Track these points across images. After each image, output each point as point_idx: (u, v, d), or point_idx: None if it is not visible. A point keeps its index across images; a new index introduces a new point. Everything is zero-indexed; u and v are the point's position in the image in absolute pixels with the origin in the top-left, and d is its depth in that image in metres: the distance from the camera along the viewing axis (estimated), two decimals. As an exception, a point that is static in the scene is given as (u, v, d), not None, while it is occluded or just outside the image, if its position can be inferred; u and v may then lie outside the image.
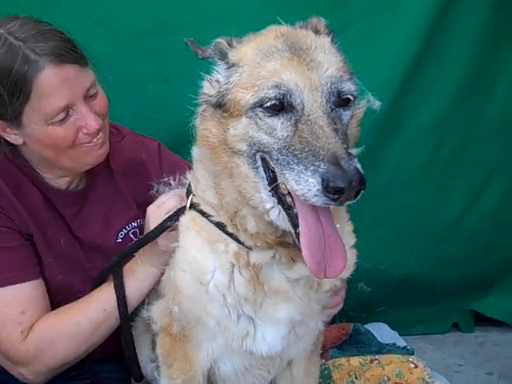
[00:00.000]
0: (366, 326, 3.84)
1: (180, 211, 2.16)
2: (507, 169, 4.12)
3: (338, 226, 1.80)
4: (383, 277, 4.08)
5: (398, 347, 3.55)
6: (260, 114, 1.74)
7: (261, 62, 1.77)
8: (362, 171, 1.58)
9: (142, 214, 2.63)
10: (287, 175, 1.67)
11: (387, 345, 3.58)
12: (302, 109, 1.70)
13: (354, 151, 1.83)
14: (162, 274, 2.35)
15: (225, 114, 1.82)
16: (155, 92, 3.56)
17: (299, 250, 1.79)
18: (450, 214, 4.13)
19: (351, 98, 1.77)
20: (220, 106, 1.84)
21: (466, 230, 4.15)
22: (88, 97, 2.37)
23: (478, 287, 4.29)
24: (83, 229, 2.63)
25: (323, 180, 1.56)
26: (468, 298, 4.30)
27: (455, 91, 3.93)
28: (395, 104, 3.82)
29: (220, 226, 1.98)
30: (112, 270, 2.47)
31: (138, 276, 2.45)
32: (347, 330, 3.72)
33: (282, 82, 1.71)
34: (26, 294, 2.42)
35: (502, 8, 3.80)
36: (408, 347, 3.54)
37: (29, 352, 2.40)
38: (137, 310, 2.55)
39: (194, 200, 2.08)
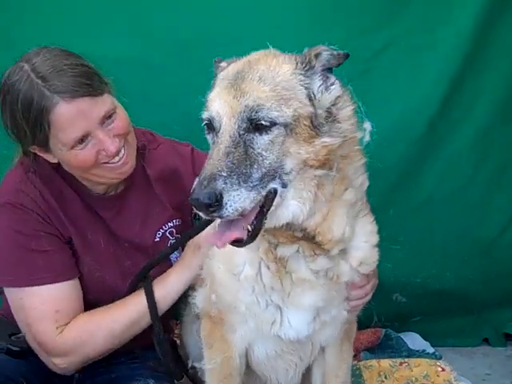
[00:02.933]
0: (398, 334, 3.98)
1: None
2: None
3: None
4: (418, 289, 4.14)
5: (428, 353, 3.70)
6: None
7: (215, 87, 2.03)
8: (219, 192, 1.78)
9: (178, 214, 2.87)
10: None
11: (417, 351, 3.74)
12: (218, 132, 1.92)
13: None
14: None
15: None
16: (202, 102, 3.69)
17: (319, 245, 2.06)
18: (490, 230, 4.16)
19: (265, 123, 1.89)
20: None
21: (504, 248, 4.16)
22: (105, 122, 2.53)
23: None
24: (123, 229, 2.80)
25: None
26: (500, 314, 4.33)
27: (496, 108, 3.97)
28: (437, 120, 3.92)
29: None
30: (143, 277, 2.68)
31: (169, 281, 2.66)
32: (379, 335, 3.91)
33: (211, 107, 1.96)
34: (60, 293, 2.60)
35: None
36: (436, 353, 3.68)
37: (65, 345, 2.58)
38: (187, 299, 2.74)
39: None
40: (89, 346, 2.62)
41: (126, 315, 2.64)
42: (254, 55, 2.09)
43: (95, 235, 2.75)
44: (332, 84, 2.01)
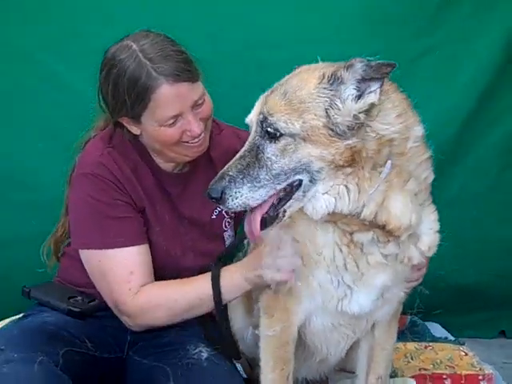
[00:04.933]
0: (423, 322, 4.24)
1: None
2: None
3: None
4: (442, 283, 4.31)
5: (450, 340, 3.96)
6: None
7: None
8: (222, 189, 2.20)
9: None
10: None
11: (439, 338, 4.00)
12: None
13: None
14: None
15: None
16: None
17: (390, 232, 2.30)
18: (511, 231, 4.38)
19: (271, 132, 2.18)
20: None
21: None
22: (196, 106, 2.82)
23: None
24: (185, 206, 3.08)
25: None
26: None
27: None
28: (468, 124, 4.18)
29: None
30: (212, 269, 2.83)
31: (235, 281, 2.78)
32: (405, 321, 4.17)
33: (250, 114, 2.32)
34: (133, 256, 2.85)
35: None
36: (459, 339, 3.95)
37: (134, 309, 2.81)
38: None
39: None
40: (151, 315, 2.83)
41: (188, 298, 2.82)
42: (299, 69, 2.36)
43: (162, 209, 3.02)
44: (370, 92, 2.13)
